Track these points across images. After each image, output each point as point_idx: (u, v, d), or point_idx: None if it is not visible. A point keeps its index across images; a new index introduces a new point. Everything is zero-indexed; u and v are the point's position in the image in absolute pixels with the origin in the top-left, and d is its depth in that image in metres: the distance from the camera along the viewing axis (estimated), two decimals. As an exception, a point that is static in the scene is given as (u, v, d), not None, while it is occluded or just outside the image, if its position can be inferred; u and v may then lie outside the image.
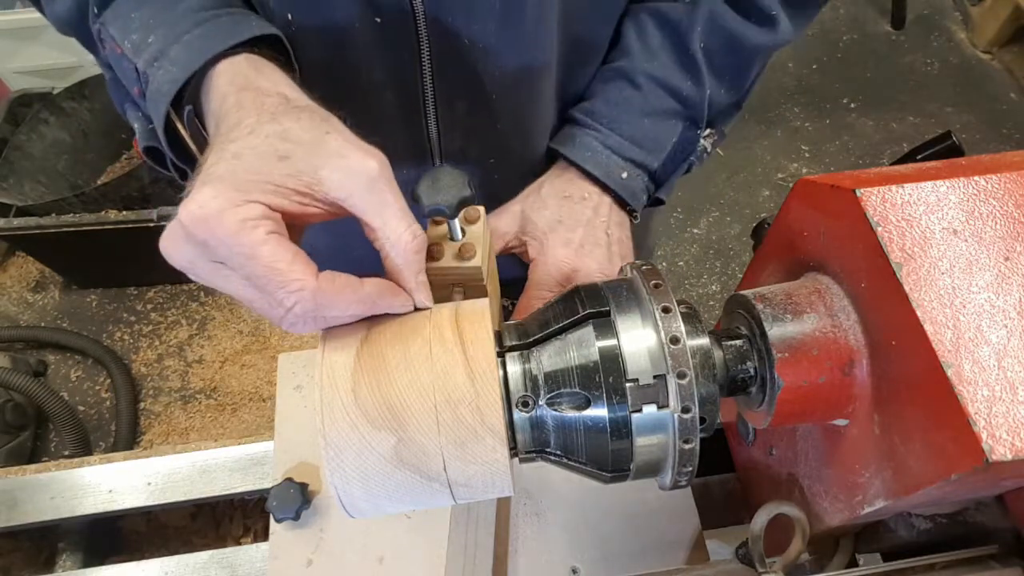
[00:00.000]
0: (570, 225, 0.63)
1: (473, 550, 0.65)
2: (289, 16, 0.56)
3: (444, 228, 0.50)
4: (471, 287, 0.52)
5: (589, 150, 0.65)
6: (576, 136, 0.66)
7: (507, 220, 0.66)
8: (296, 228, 0.41)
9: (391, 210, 0.40)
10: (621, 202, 0.66)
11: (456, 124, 0.66)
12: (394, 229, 0.40)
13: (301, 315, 0.38)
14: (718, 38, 0.64)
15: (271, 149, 0.38)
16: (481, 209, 0.52)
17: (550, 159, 0.70)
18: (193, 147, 0.48)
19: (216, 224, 0.36)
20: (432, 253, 0.51)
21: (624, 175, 0.65)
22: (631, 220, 0.68)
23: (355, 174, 0.39)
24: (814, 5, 0.68)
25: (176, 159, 0.51)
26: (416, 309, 0.45)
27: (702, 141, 0.69)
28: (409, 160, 0.68)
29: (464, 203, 0.46)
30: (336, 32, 0.57)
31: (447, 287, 0.52)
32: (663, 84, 0.65)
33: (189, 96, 0.47)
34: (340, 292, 0.39)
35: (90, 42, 0.54)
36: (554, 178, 0.67)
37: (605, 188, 0.65)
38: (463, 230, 0.50)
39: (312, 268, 0.38)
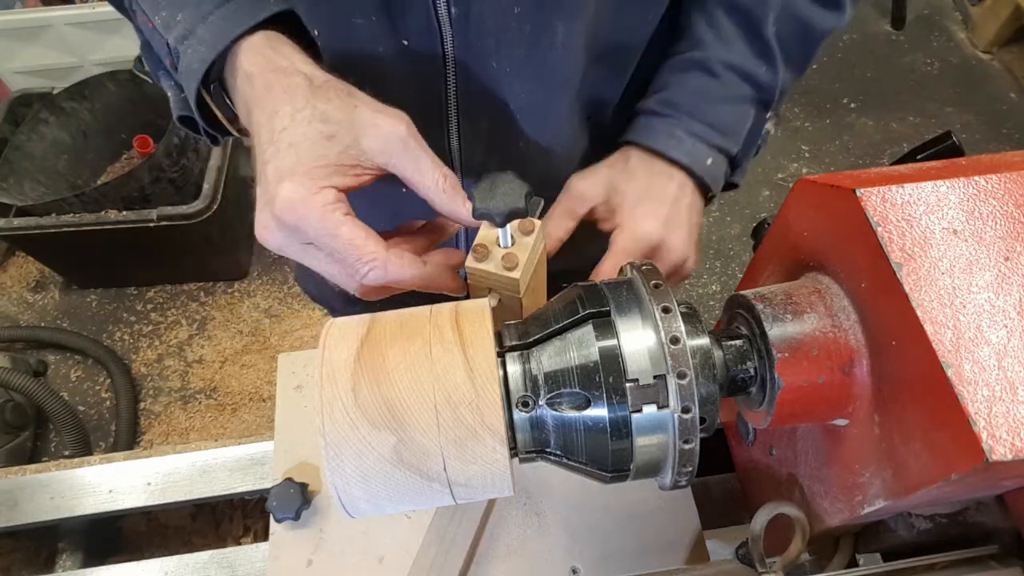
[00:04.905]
0: (659, 200, 0.63)
1: (449, 545, 0.65)
2: (315, 32, 0.56)
3: (497, 232, 0.50)
4: (506, 296, 0.52)
5: (673, 138, 0.65)
6: (656, 126, 0.66)
7: (594, 184, 0.64)
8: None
9: (425, 163, 0.47)
10: (703, 188, 0.66)
11: (478, 138, 0.67)
12: (431, 177, 0.47)
13: (373, 281, 0.46)
14: (790, 24, 0.65)
15: (317, 133, 0.45)
16: (538, 223, 0.52)
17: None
18: (221, 117, 0.53)
19: (303, 212, 0.43)
20: (478, 253, 0.51)
21: (709, 161, 0.65)
22: (706, 205, 0.69)
23: (391, 139, 0.46)
24: None
25: (207, 127, 0.55)
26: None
27: (767, 124, 0.70)
28: None
29: (513, 215, 0.47)
30: (361, 51, 0.58)
31: (484, 289, 0.52)
32: (739, 71, 0.65)
33: (215, 71, 0.50)
34: (405, 268, 0.46)
35: (123, 9, 0.57)
36: (640, 155, 0.66)
37: (690, 173, 0.65)
38: (513, 239, 0.50)
39: (382, 243, 0.46)
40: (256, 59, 0.48)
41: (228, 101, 0.52)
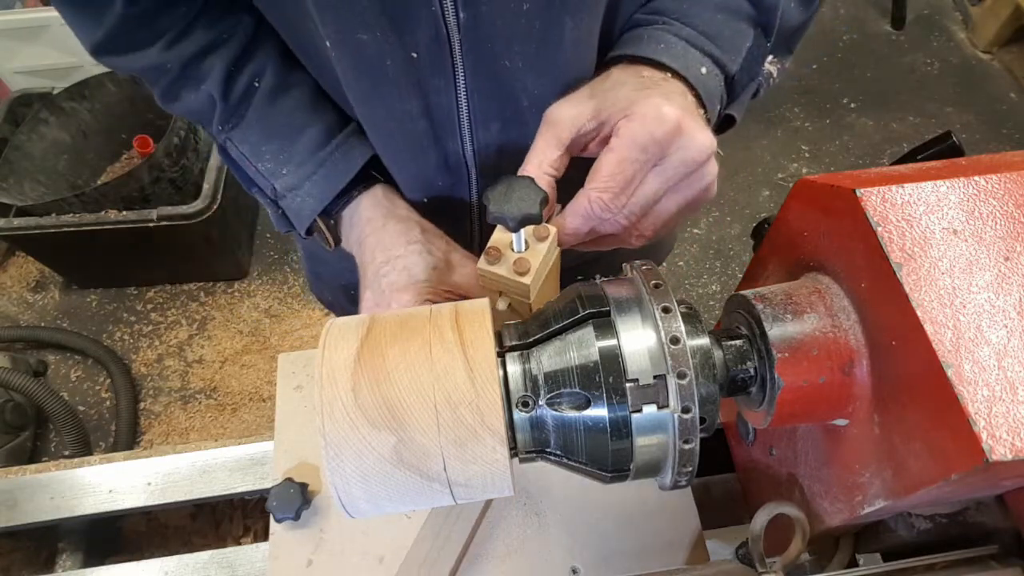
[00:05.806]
0: (662, 93, 0.52)
1: (443, 541, 0.65)
2: (328, 43, 0.56)
3: (511, 235, 0.50)
4: (517, 301, 0.52)
5: (662, 43, 0.56)
6: (643, 34, 0.57)
7: (576, 103, 0.54)
8: None
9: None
10: (700, 105, 0.57)
11: (491, 143, 0.65)
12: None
13: None
14: None
15: (425, 263, 0.59)
16: (553, 230, 0.52)
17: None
18: (329, 237, 0.68)
19: None
20: (490, 256, 0.51)
21: (703, 70, 0.56)
22: None
23: (470, 276, 0.60)
24: None
25: (304, 234, 0.70)
26: None
27: (767, 65, 0.64)
28: (446, 175, 0.68)
29: (527, 220, 0.46)
30: (369, 67, 0.57)
31: (495, 292, 0.52)
32: None
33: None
34: None
35: (209, 126, 0.67)
36: (625, 67, 0.57)
37: (684, 82, 0.56)
38: (527, 244, 0.50)
39: None
40: (379, 208, 0.65)
41: (322, 223, 0.67)
